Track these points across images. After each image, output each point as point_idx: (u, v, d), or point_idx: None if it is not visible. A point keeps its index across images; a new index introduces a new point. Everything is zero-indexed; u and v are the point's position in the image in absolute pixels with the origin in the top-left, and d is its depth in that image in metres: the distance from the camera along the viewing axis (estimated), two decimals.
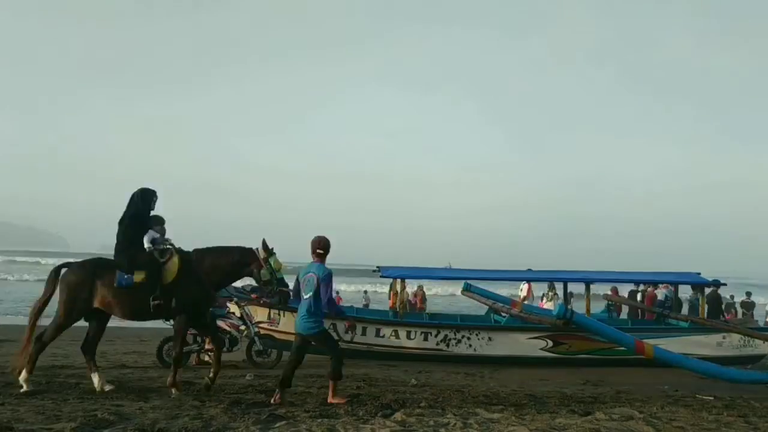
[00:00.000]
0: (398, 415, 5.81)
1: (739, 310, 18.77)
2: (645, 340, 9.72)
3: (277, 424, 5.39)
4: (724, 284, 11.94)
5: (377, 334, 11.01)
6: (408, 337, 10.97)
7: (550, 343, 10.96)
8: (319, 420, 5.58)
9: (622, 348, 9.99)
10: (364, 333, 11.01)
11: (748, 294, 19.14)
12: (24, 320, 17.47)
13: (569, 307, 10.04)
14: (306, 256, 6.93)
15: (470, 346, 10.90)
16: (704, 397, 7.81)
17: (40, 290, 7.44)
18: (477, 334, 10.97)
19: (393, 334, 11.00)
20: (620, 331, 9.86)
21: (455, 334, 10.97)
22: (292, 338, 11.00)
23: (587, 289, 11.87)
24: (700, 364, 9.50)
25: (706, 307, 12.65)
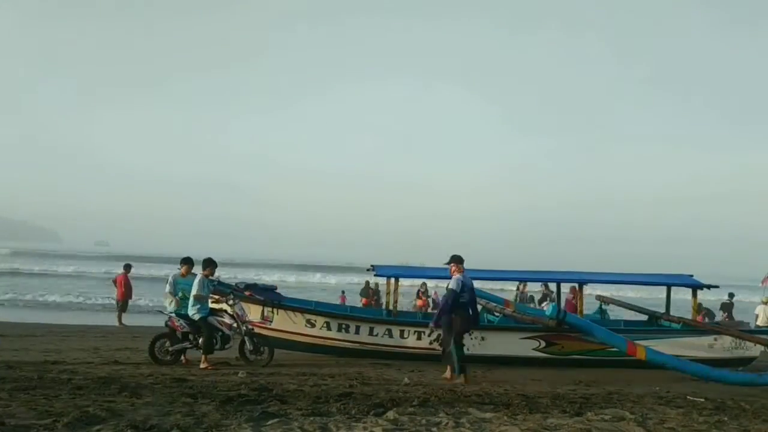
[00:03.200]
0: (390, 414, 5.83)
1: (719, 312, 18.81)
2: (637, 342, 9.77)
3: (270, 422, 5.40)
4: (716, 286, 11.98)
5: (370, 333, 11.02)
6: (401, 336, 10.98)
7: (543, 344, 10.97)
8: (312, 418, 5.60)
9: (615, 349, 10.04)
10: (357, 332, 11.02)
11: (731, 295, 18.99)
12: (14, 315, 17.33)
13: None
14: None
15: (463, 345, 10.92)
16: (695, 399, 7.85)
17: None
18: (470, 334, 10.97)
19: (386, 332, 11.02)
20: (612, 332, 9.91)
21: None
22: (285, 336, 11.16)
23: (580, 289, 11.91)
24: (691, 366, 9.56)
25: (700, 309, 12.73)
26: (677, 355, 10.13)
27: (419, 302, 19.88)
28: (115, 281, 17.61)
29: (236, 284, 11.45)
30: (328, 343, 11.05)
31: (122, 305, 17.06)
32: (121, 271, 17.76)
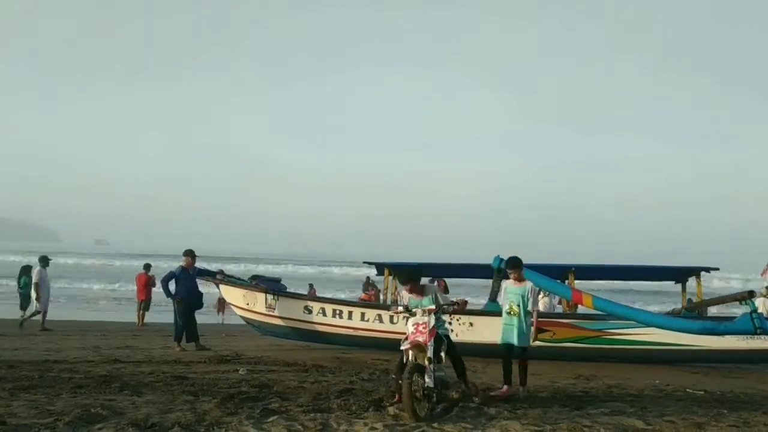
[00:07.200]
0: (391, 410, 5.84)
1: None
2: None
3: (270, 419, 5.40)
4: (716, 269, 11.94)
5: (362, 319, 11.13)
6: (391, 321, 10.92)
7: None
8: (312, 414, 5.60)
9: (609, 336, 10.07)
10: (350, 317, 11.16)
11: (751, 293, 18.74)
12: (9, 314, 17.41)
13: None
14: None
15: (452, 331, 10.86)
16: (695, 392, 7.88)
17: None
18: (458, 320, 10.84)
19: (377, 318, 11.06)
20: (556, 281, 9.79)
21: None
22: (287, 323, 11.39)
23: (572, 281, 11.88)
24: (642, 314, 9.29)
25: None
26: (683, 344, 10.11)
27: (364, 295, 19.96)
28: (137, 281, 17.57)
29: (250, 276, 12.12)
30: (325, 329, 11.32)
31: (145, 305, 17.02)
32: (142, 270, 17.73)
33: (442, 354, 6.17)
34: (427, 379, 5.72)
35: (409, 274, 6.55)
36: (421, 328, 6.00)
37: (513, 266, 7.68)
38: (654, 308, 15.05)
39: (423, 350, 5.89)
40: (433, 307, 6.23)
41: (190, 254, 11.22)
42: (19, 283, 18.25)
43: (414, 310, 6.25)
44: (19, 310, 17.56)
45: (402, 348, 6.10)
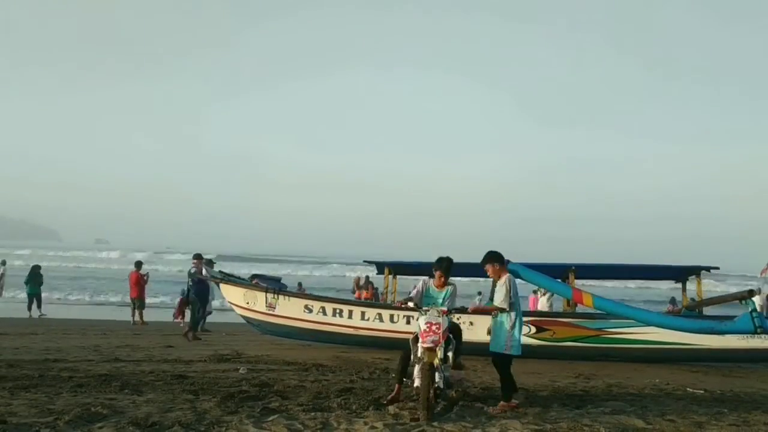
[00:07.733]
0: (391, 409, 5.84)
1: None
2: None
3: (271, 418, 5.41)
4: (717, 268, 11.95)
5: (362, 318, 11.18)
6: (391, 320, 11.03)
7: (533, 329, 10.81)
8: (313, 413, 5.61)
9: (609, 335, 10.07)
10: (350, 316, 11.21)
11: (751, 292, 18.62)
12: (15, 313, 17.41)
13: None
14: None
15: None
16: (695, 391, 7.88)
17: None
18: (458, 319, 10.85)
19: (377, 317, 11.12)
20: (557, 281, 9.81)
21: None
22: (287, 322, 11.45)
23: (572, 280, 11.88)
24: (642, 313, 9.31)
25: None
26: (685, 344, 10.11)
27: (365, 293, 19.93)
28: (129, 279, 17.51)
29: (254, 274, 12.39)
30: (325, 328, 11.36)
31: (139, 303, 16.95)
32: (133, 268, 17.58)
33: (450, 354, 6.16)
34: (437, 379, 5.75)
35: (449, 262, 6.59)
36: (434, 328, 5.90)
37: (486, 261, 6.60)
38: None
39: (434, 350, 5.87)
40: (446, 308, 6.24)
41: (200, 257, 13.78)
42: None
43: (424, 308, 6.22)
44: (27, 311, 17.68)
45: (419, 350, 5.89)
